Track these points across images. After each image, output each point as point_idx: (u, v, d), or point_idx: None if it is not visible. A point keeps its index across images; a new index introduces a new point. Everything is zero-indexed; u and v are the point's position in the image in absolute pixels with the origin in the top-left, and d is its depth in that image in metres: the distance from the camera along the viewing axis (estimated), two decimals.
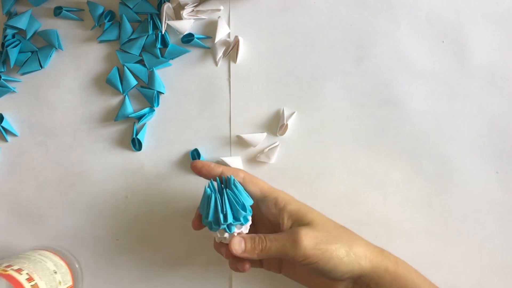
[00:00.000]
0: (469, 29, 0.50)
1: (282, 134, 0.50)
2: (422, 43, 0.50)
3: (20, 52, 0.51)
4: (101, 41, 0.52)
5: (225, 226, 0.40)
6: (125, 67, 0.51)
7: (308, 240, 0.39)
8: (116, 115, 0.51)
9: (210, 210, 0.40)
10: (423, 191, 0.50)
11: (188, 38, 0.51)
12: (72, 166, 0.52)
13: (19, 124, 0.52)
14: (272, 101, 0.51)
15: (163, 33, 0.51)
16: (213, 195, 0.41)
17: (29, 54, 0.52)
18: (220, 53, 0.51)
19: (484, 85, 0.50)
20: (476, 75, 0.50)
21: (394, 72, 0.50)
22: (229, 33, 0.51)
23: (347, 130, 0.50)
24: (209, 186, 0.42)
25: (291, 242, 0.39)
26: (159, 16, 0.51)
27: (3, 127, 0.51)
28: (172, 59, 0.51)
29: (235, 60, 0.51)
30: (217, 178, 0.43)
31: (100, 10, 0.51)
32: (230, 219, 0.40)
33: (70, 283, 0.46)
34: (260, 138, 0.50)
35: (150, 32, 0.51)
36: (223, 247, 0.43)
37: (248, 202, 0.42)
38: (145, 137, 0.51)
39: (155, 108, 0.51)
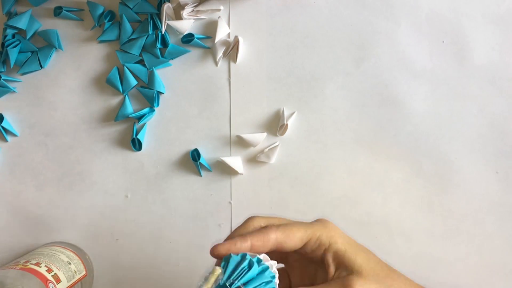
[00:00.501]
0: (469, 29, 0.50)
1: (282, 134, 0.50)
2: (422, 43, 0.50)
3: (20, 52, 0.51)
4: (101, 41, 0.52)
5: None
6: (125, 67, 0.51)
7: None
8: (116, 115, 0.51)
9: None
10: (423, 191, 0.50)
11: (188, 38, 0.51)
12: (72, 166, 0.52)
13: (19, 124, 0.52)
14: (272, 101, 0.51)
15: (163, 33, 0.51)
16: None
17: (29, 54, 0.52)
18: (220, 53, 0.51)
19: (484, 85, 0.50)
20: (476, 75, 0.50)
21: (394, 72, 0.50)
22: (229, 33, 0.51)
23: (347, 130, 0.50)
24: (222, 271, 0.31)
25: None
26: (159, 16, 0.51)
27: (3, 127, 0.51)
28: (172, 59, 0.51)
29: (235, 60, 0.51)
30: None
31: (100, 10, 0.51)
32: None
33: (84, 272, 0.48)
34: (260, 138, 0.50)
35: (150, 32, 0.50)
36: None
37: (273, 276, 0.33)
38: (145, 137, 0.51)
39: (155, 108, 0.51)
